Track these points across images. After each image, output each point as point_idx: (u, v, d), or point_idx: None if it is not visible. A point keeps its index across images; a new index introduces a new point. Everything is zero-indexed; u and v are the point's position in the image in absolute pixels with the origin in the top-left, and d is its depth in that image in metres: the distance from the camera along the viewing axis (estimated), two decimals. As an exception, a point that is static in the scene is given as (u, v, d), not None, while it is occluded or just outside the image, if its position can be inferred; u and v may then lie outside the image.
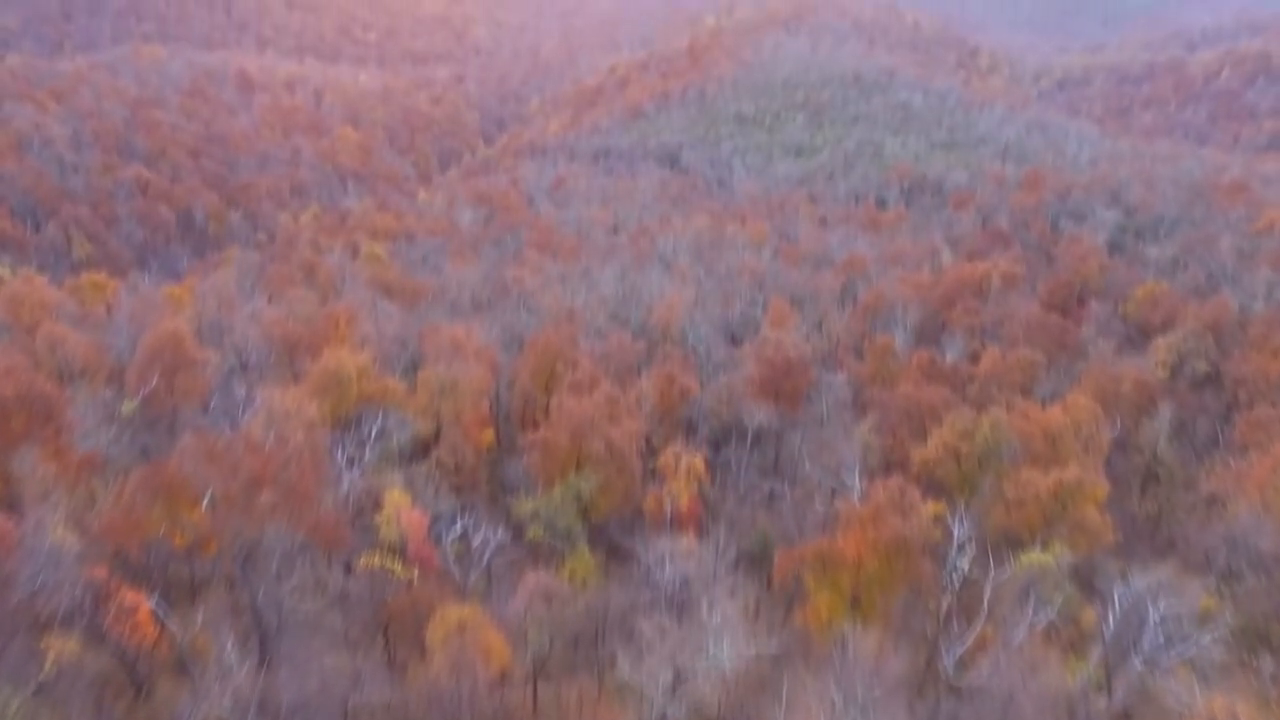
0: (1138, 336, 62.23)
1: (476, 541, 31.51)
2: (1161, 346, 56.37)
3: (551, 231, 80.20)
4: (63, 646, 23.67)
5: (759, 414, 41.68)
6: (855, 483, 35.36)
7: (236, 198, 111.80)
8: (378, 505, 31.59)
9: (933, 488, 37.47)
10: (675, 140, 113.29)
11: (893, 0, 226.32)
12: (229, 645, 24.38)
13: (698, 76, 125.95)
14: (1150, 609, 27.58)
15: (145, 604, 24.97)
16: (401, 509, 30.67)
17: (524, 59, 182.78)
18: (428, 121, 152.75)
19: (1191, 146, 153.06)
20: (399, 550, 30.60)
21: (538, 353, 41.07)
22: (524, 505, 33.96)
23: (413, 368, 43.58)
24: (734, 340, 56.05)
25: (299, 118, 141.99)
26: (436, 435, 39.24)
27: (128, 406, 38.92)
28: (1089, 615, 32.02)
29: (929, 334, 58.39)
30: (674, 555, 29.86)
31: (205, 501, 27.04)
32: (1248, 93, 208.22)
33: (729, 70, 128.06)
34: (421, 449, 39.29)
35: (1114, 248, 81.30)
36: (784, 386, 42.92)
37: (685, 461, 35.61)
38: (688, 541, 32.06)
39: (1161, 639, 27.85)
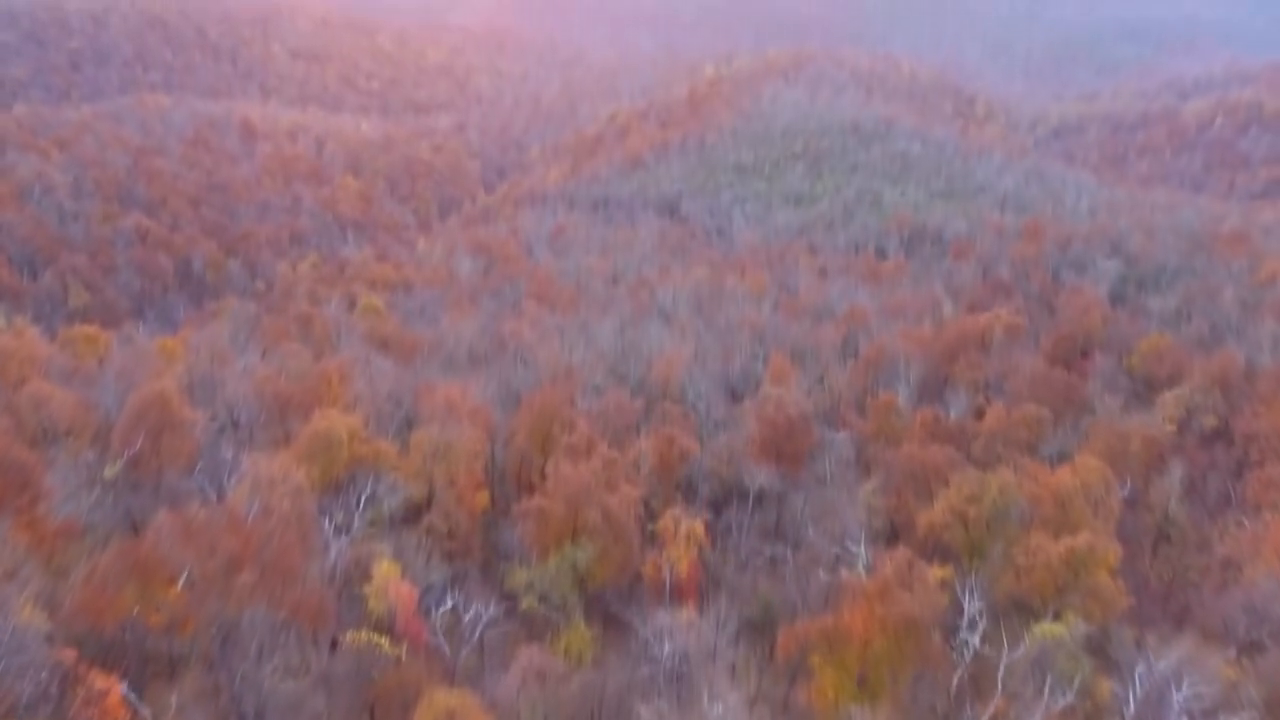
0: (1143, 390, 61.40)
1: (468, 615, 30.34)
2: (1169, 401, 55.45)
3: (550, 282, 79.83)
4: (27, 735, 22.47)
5: (760, 475, 40.58)
6: (860, 550, 34.27)
7: (236, 246, 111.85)
8: (366, 576, 30.45)
9: (939, 552, 36.38)
10: (675, 189, 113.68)
11: (889, 50, 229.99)
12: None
13: (697, 125, 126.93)
14: (1173, 690, 26.33)
15: (117, 688, 23.73)
16: (390, 581, 29.49)
17: (525, 107, 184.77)
18: (429, 170, 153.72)
19: (1188, 194, 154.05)
20: (387, 624, 29.41)
21: (534, 413, 40.19)
22: (518, 576, 32.74)
23: (406, 427, 42.62)
24: (734, 395, 55.23)
25: (300, 166, 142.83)
26: (429, 499, 38.11)
27: (110, 470, 37.83)
28: (1104, 688, 30.74)
29: (932, 388, 57.58)
30: (673, 630, 28.64)
31: (182, 580, 25.91)
32: (1241, 141, 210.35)
33: (728, 119, 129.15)
34: (414, 513, 38.10)
35: (1116, 298, 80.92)
36: (786, 447, 41.95)
37: (685, 526, 34.53)
38: (687, 613, 30.85)
39: (1186, 720, 26.54)
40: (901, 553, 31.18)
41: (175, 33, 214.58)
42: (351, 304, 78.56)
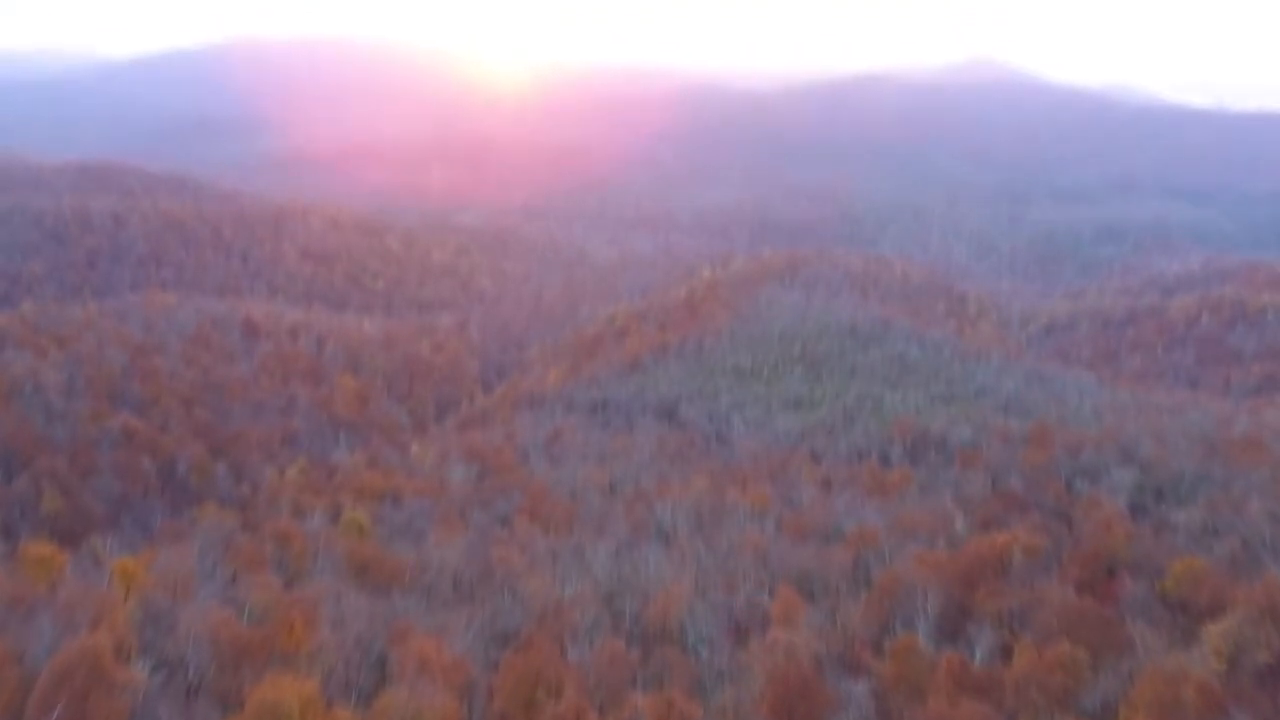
0: (1181, 619, 56.88)
1: None
2: (1215, 635, 50.72)
3: (544, 494, 76.76)
4: None
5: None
6: None
7: (225, 448, 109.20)
8: None
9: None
10: (673, 392, 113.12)
11: (880, 251, 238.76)
12: None
13: (695, 328, 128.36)
14: None
15: None
16: None
17: (526, 306, 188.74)
18: (428, 369, 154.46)
19: (1186, 392, 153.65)
20: None
21: (516, 675, 36.04)
22: None
23: (373, 687, 38.22)
24: (739, 631, 50.91)
25: (299, 365, 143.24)
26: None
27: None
28: None
29: (952, 621, 53.16)
30: None
31: None
32: (1229, 336, 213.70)
33: (726, 321, 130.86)
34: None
35: (1136, 510, 77.44)
36: (798, 708, 37.51)
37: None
38: None
39: None
40: None
41: (191, 232, 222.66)
42: (336, 517, 75.02)
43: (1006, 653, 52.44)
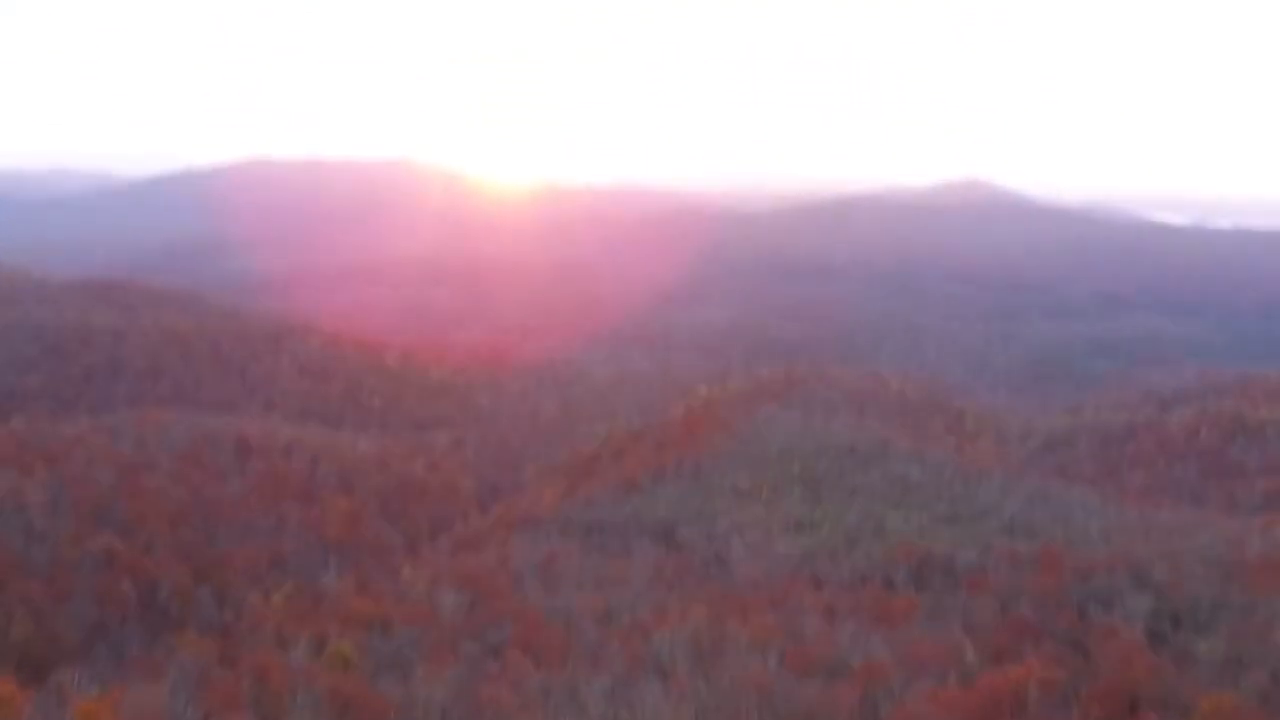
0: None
1: None
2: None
3: (538, 624, 73.81)
4: None
5: None
6: None
7: (210, 571, 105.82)
8: None
9: None
10: (671, 514, 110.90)
11: (875, 368, 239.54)
12: None
13: (693, 448, 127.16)
14: None
15: None
16: None
17: (523, 425, 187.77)
18: (422, 488, 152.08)
19: (1193, 509, 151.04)
20: None
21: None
22: None
23: None
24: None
25: (292, 484, 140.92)
26: None
27: None
28: None
29: (969, 766, 50.16)
30: None
31: None
32: (1231, 451, 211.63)
33: (724, 441, 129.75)
34: None
35: (1154, 638, 74.37)
36: None
37: None
38: None
39: None
40: None
41: (191, 348, 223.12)
42: (321, 647, 71.86)
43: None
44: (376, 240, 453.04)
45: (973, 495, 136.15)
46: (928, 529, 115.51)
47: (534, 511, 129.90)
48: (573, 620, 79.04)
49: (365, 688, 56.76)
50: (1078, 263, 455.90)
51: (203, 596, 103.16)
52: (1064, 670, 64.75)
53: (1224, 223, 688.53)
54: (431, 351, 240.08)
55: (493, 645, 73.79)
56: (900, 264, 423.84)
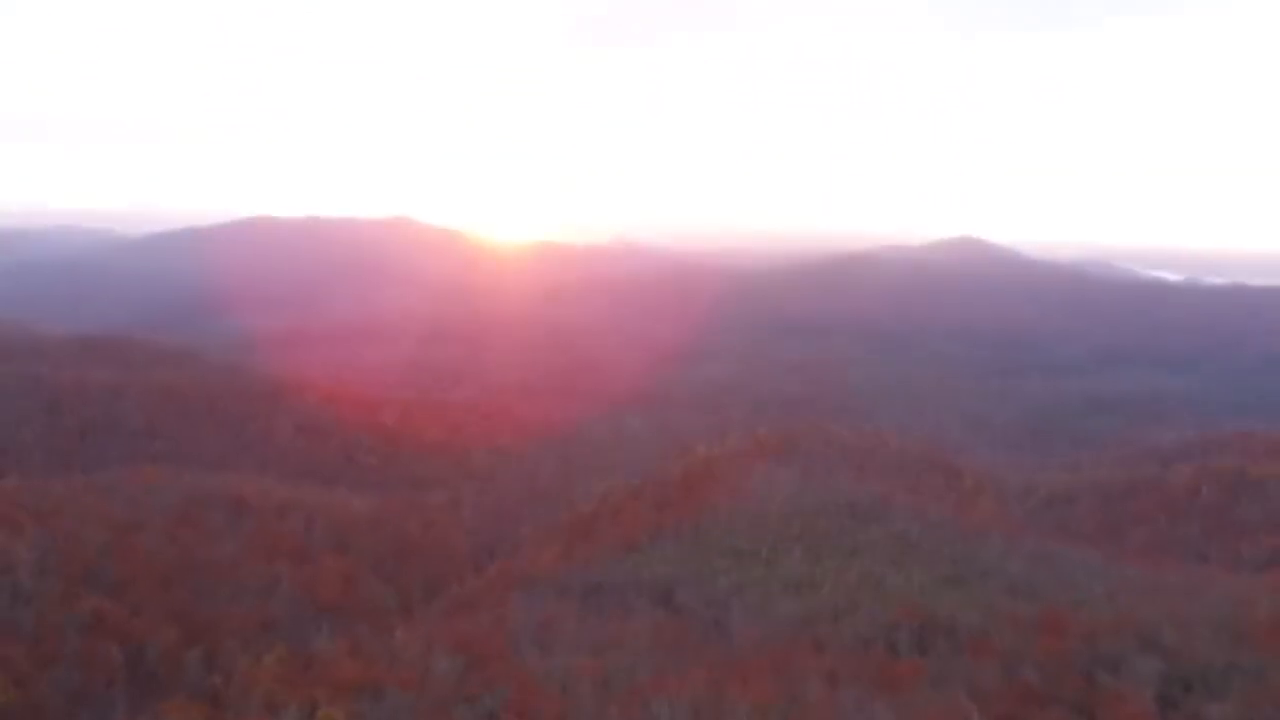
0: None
1: None
2: None
3: (534, 690, 72.12)
4: None
5: None
6: None
7: (200, 634, 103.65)
8: None
9: None
10: (669, 574, 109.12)
11: (874, 425, 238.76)
12: None
13: (692, 507, 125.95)
14: None
15: None
16: None
17: (520, 484, 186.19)
18: (417, 548, 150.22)
19: (1198, 568, 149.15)
20: None
21: None
22: None
23: None
24: None
25: (286, 544, 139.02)
26: None
27: None
28: None
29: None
30: None
31: None
32: (1234, 508, 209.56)
33: (722, 500, 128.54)
34: None
35: (1166, 704, 72.52)
36: None
37: None
38: None
39: None
40: None
41: (188, 405, 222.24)
42: (311, 713, 70.09)
43: None
44: (375, 298, 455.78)
45: (974, 554, 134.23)
46: (930, 589, 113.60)
47: (531, 572, 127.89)
48: (569, 685, 77.31)
49: (355, 757, 55.23)
50: (1073, 320, 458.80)
51: (192, 660, 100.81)
52: (1072, 737, 63.11)
53: (1217, 279, 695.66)
54: (429, 410, 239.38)
55: (487, 711, 72.04)
56: (897, 322, 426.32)
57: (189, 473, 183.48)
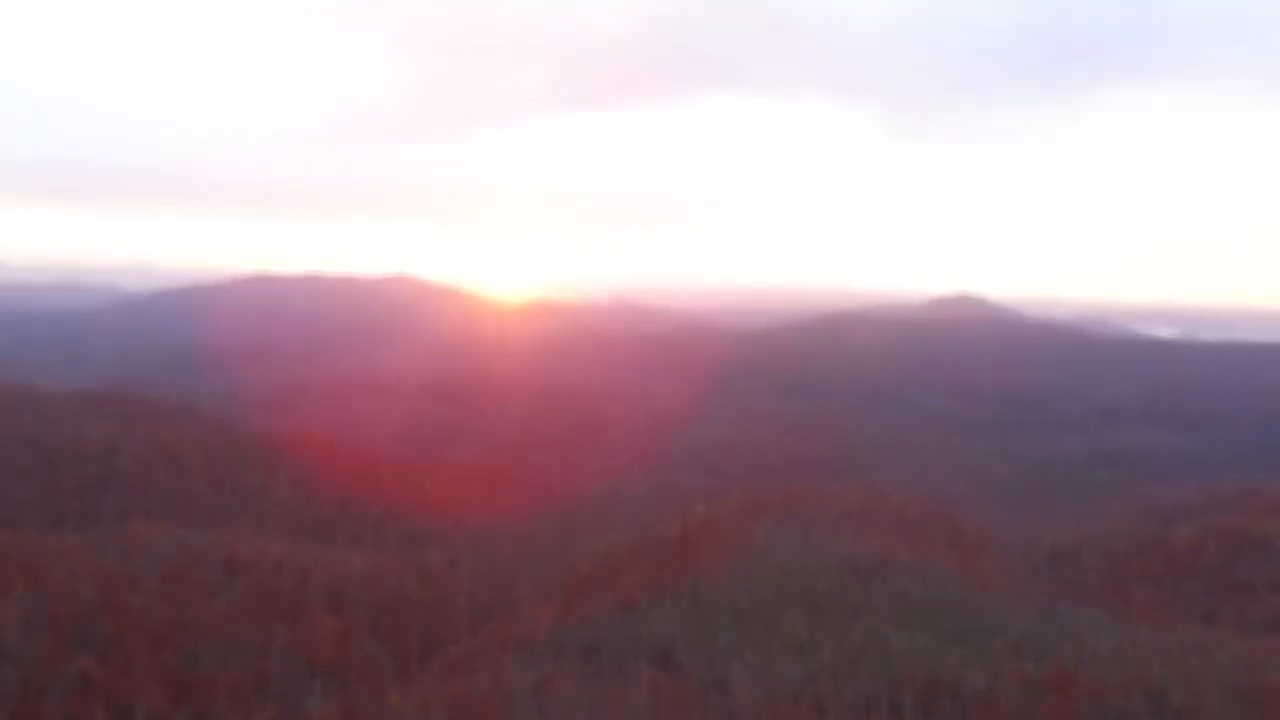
0: None
1: None
2: None
3: (530, 754, 70.45)
4: None
5: None
6: None
7: (190, 695, 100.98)
8: None
9: None
10: (669, 635, 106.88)
11: (875, 482, 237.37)
12: None
13: (691, 566, 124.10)
14: None
15: None
16: None
17: (518, 542, 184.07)
18: (414, 606, 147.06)
19: (1204, 627, 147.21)
20: None
21: None
22: None
23: None
24: None
25: (280, 601, 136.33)
26: None
27: None
28: None
29: None
30: None
31: None
32: (1238, 567, 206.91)
33: (723, 560, 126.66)
34: None
35: (1173, 770, 71.23)
36: None
37: None
38: None
39: None
40: None
41: (185, 461, 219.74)
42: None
43: None
44: (375, 355, 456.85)
45: (978, 613, 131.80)
46: (933, 649, 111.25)
47: (528, 632, 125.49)
48: (567, 750, 75.56)
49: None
50: (1072, 377, 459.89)
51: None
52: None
53: (1212, 335, 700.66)
54: (427, 467, 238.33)
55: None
56: (896, 379, 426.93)
57: (184, 529, 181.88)
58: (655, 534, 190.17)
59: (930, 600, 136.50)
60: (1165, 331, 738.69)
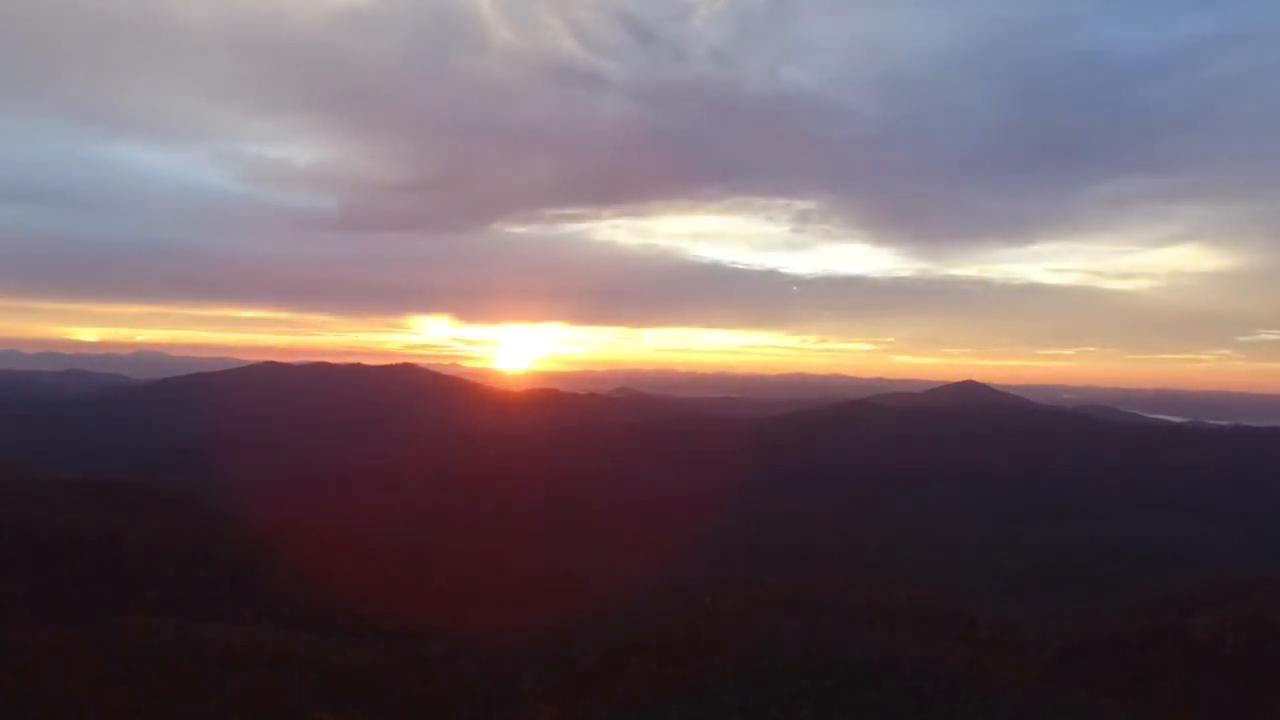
0: None
1: None
2: None
3: None
4: None
5: None
6: None
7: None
8: None
9: None
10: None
11: (882, 575, 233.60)
12: None
13: (697, 662, 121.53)
14: None
15: None
16: None
17: (520, 637, 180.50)
18: (414, 704, 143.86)
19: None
20: None
21: None
22: None
23: None
24: None
25: (275, 700, 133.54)
26: None
27: None
28: None
29: None
30: None
31: None
32: (1262, 658, 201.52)
33: (728, 655, 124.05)
34: None
35: None
36: None
37: None
38: None
39: None
40: None
41: (184, 551, 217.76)
42: None
43: None
44: (378, 445, 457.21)
45: (992, 712, 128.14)
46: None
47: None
48: None
49: None
50: (1079, 464, 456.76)
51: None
52: None
53: (1220, 421, 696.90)
54: (429, 557, 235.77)
55: None
56: (902, 468, 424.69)
57: (181, 621, 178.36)
58: (660, 628, 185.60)
59: (942, 698, 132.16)
60: (1172, 417, 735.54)
